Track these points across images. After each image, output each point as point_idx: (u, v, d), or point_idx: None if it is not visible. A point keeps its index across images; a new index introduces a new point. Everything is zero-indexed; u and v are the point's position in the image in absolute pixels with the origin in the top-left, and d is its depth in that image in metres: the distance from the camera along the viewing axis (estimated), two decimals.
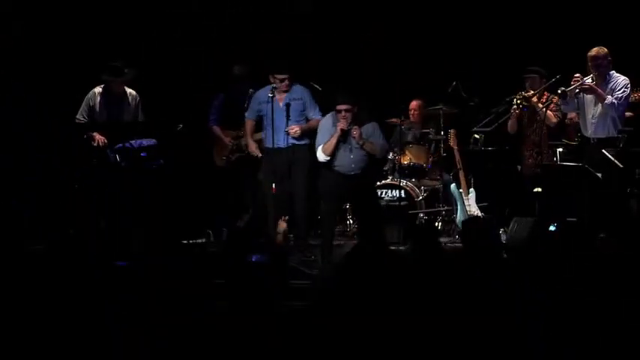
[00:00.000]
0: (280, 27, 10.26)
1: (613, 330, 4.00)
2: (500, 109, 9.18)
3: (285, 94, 8.66)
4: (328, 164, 8.25)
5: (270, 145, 8.58)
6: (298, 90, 8.73)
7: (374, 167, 8.59)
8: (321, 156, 8.22)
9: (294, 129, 8.52)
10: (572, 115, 8.85)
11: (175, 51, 10.20)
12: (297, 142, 8.62)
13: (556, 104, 8.93)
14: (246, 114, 8.91)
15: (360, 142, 8.14)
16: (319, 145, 8.25)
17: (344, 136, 8.16)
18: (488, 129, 9.20)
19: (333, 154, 8.19)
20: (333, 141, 8.13)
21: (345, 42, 10.44)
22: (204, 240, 9.05)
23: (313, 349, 3.79)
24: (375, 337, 3.82)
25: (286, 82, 8.60)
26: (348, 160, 8.21)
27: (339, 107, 8.12)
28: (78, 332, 4.07)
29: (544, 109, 8.78)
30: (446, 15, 10.31)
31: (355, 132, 8.11)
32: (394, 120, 9.77)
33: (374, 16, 10.45)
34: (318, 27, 10.42)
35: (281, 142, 8.60)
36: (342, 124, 8.09)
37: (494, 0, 10.20)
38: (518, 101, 8.87)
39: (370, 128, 8.28)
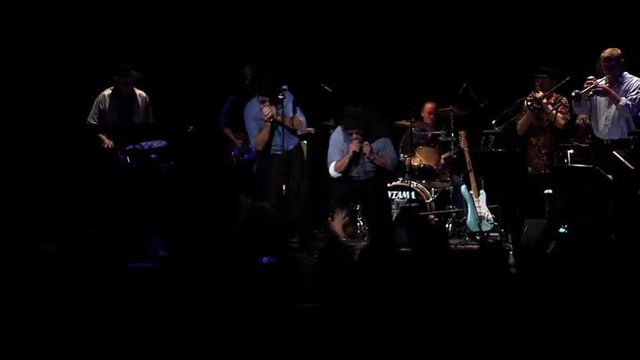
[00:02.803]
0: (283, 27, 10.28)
1: (621, 331, 4.00)
2: (510, 110, 9.17)
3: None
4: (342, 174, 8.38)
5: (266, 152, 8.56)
6: (286, 96, 8.45)
7: (385, 172, 8.64)
8: (334, 173, 8.38)
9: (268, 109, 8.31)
10: (582, 115, 8.83)
11: (186, 52, 10.21)
12: (293, 145, 8.52)
13: (565, 105, 8.92)
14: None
15: (371, 158, 8.30)
16: (331, 161, 8.36)
17: (355, 157, 8.31)
18: (498, 129, 9.18)
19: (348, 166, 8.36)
20: (346, 161, 8.31)
21: (353, 43, 10.44)
22: (211, 242, 9.03)
23: (322, 350, 3.79)
24: (383, 337, 3.83)
25: (266, 102, 8.40)
26: (359, 170, 8.40)
27: (349, 131, 8.25)
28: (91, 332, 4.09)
29: (554, 111, 8.77)
30: (456, 15, 10.30)
31: (366, 148, 8.26)
32: (404, 122, 9.78)
33: (382, 16, 10.45)
34: (327, 27, 10.43)
35: (281, 149, 8.51)
36: (354, 146, 8.22)
37: (505, 0, 10.20)
38: (529, 103, 8.86)
39: (382, 143, 8.44)
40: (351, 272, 4.42)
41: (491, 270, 4.63)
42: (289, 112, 8.43)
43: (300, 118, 8.51)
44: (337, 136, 8.44)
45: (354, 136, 8.22)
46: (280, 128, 8.36)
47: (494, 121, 9.04)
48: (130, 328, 4.09)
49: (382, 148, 8.40)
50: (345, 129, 8.33)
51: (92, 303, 4.25)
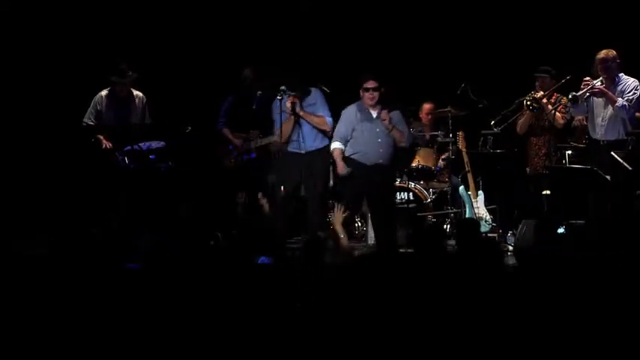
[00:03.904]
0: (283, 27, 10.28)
1: (620, 332, 4.00)
2: (509, 111, 9.18)
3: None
4: (351, 158, 8.20)
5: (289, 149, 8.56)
6: (312, 94, 8.63)
7: (397, 162, 8.60)
8: (338, 146, 8.21)
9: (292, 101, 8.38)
10: (579, 117, 8.85)
11: (184, 53, 10.22)
12: (316, 147, 8.55)
13: (565, 105, 8.92)
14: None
15: (390, 127, 8.06)
16: (337, 138, 8.24)
17: (372, 122, 8.10)
18: (497, 130, 9.18)
19: (359, 142, 8.15)
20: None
21: (352, 43, 10.44)
22: (212, 242, 9.04)
23: (322, 350, 3.79)
24: (380, 338, 3.83)
25: (291, 96, 8.47)
26: (376, 146, 8.18)
27: (366, 85, 8.06)
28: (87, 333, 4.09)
29: (553, 111, 8.78)
30: (455, 15, 10.30)
31: (385, 115, 8.03)
32: None
33: (381, 17, 10.45)
34: (327, 27, 10.43)
35: (299, 148, 8.55)
36: (384, 118, 8.02)
37: (504, 1, 10.20)
38: (528, 102, 8.85)
39: (397, 115, 8.24)
40: (350, 273, 4.42)
41: (488, 268, 4.64)
42: (317, 110, 8.51)
43: (327, 118, 8.53)
44: (350, 110, 8.30)
45: (370, 93, 8.01)
46: (301, 127, 8.42)
47: (493, 122, 9.04)
48: (129, 329, 4.10)
49: (398, 121, 8.23)
50: (364, 81, 8.12)
51: (91, 304, 4.26)
